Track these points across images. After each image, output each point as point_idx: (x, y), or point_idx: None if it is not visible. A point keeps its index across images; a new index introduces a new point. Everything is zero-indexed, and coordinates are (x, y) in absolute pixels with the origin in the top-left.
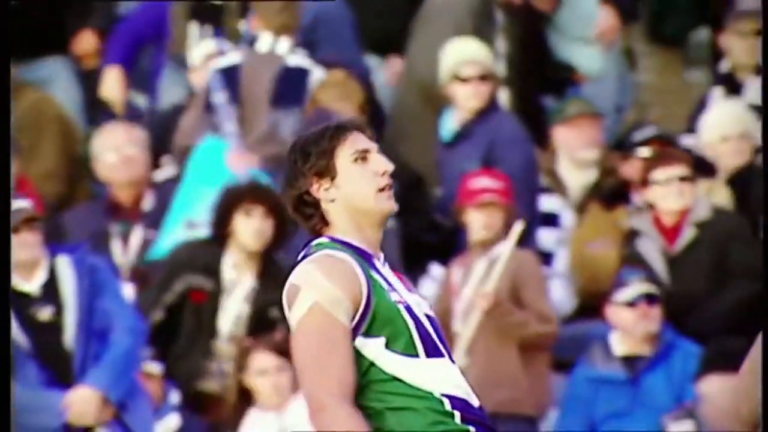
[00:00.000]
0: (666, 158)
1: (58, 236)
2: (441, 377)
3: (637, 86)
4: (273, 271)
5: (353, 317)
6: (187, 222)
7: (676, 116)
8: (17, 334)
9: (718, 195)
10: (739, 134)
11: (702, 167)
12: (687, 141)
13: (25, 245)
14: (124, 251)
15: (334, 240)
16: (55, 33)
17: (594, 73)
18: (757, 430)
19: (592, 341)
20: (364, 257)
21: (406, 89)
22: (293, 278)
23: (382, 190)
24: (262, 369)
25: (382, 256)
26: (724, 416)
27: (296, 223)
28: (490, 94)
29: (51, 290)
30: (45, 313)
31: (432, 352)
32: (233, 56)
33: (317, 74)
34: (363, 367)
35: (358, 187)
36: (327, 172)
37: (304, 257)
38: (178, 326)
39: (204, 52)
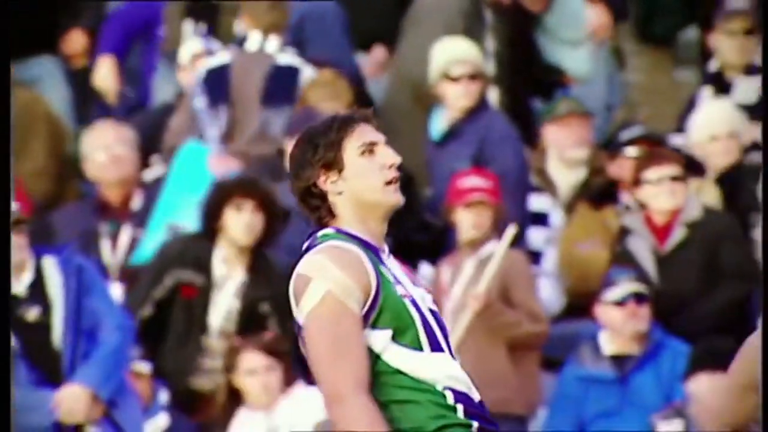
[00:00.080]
0: (658, 158)
1: (46, 236)
2: (444, 371)
3: (626, 86)
4: (263, 265)
5: (363, 307)
6: (170, 226)
7: (665, 115)
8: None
9: (707, 194)
10: (727, 134)
11: (691, 167)
12: (676, 140)
13: (11, 248)
14: (113, 251)
15: (340, 231)
16: (44, 32)
17: (583, 75)
18: (748, 427)
19: (581, 340)
20: (371, 249)
21: (395, 88)
22: (302, 268)
23: (389, 183)
24: (251, 369)
25: (387, 248)
26: (713, 415)
27: (286, 218)
28: (480, 94)
29: (38, 291)
30: (32, 314)
31: (436, 346)
32: (222, 56)
33: (307, 73)
34: (370, 359)
35: (365, 180)
36: (334, 164)
37: (309, 248)
38: (168, 322)
39: (191, 52)
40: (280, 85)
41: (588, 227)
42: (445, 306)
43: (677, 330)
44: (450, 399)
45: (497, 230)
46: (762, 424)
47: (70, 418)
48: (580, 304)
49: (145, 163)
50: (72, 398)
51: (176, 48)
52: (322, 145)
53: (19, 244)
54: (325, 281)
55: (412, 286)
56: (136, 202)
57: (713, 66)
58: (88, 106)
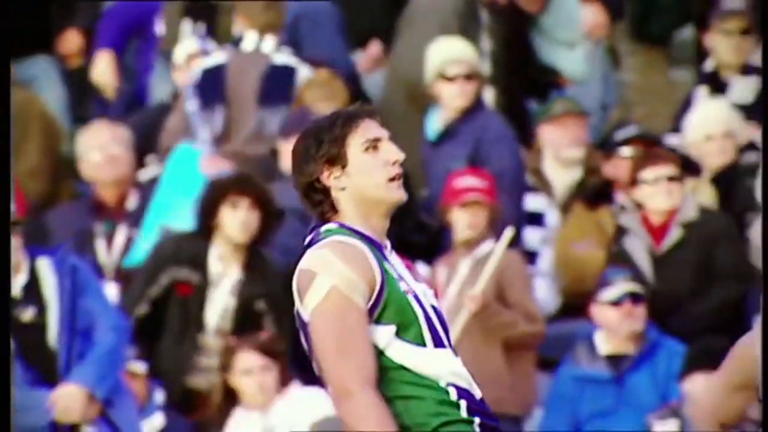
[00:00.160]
0: (654, 158)
1: (42, 236)
2: (447, 367)
3: (622, 85)
4: (258, 263)
5: (368, 302)
6: (163, 228)
7: (661, 115)
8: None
9: (702, 194)
10: (723, 133)
11: (687, 167)
12: (672, 140)
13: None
14: (108, 251)
15: (343, 226)
16: (40, 32)
17: (578, 76)
18: (740, 426)
19: (577, 340)
20: (374, 245)
21: (390, 88)
22: (306, 263)
23: (392, 179)
24: (247, 369)
25: (389, 244)
26: (707, 414)
27: (280, 218)
28: (476, 94)
29: (32, 292)
30: (27, 314)
31: (438, 342)
32: (218, 56)
33: (304, 72)
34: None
35: (368, 177)
36: (338, 160)
37: (311, 243)
38: (164, 321)
39: (186, 51)
40: (277, 85)
41: (583, 227)
42: (441, 306)
43: (673, 330)
44: (453, 395)
45: (493, 230)
46: (762, 424)
47: (66, 418)
48: (575, 303)
49: (140, 163)
50: (68, 397)
51: (173, 47)
52: (326, 140)
53: (13, 246)
54: (330, 276)
55: (414, 281)
56: (132, 202)
57: (709, 66)
58: (84, 105)
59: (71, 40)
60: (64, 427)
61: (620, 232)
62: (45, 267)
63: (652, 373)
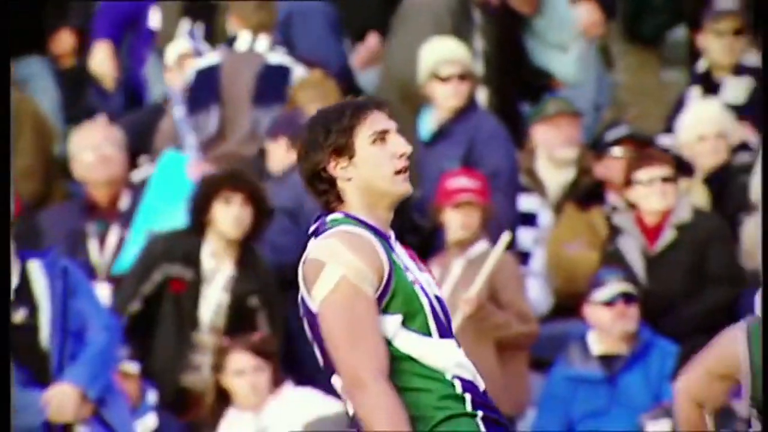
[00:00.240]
0: (649, 159)
1: (34, 236)
2: (452, 358)
3: (614, 86)
4: (251, 259)
5: (376, 292)
6: (150, 234)
7: (653, 116)
8: None
9: (695, 194)
10: (716, 134)
11: (681, 167)
12: (664, 141)
13: (10, 249)
14: (100, 251)
15: (349, 216)
16: (33, 33)
17: (570, 79)
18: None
19: (570, 340)
20: (379, 235)
21: (383, 87)
22: (314, 253)
23: (398, 172)
24: (240, 369)
25: (393, 235)
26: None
27: (273, 213)
28: (470, 94)
29: (24, 294)
30: (19, 315)
31: (443, 332)
32: (212, 57)
33: (298, 72)
34: None
35: (375, 169)
36: (345, 150)
37: (316, 232)
38: (156, 319)
39: (178, 52)
40: (271, 85)
41: (575, 228)
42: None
43: (665, 330)
44: (458, 388)
45: (486, 231)
46: (762, 423)
47: (59, 417)
48: (568, 304)
49: (133, 164)
50: (61, 397)
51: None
52: (334, 130)
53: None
54: (339, 266)
55: (418, 272)
56: (124, 202)
57: (701, 66)
58: (78, 105)
59: (64, 40)
60: (57, 426)
61: (614, 232)
62: (36, 269)
63: (644, 374)
